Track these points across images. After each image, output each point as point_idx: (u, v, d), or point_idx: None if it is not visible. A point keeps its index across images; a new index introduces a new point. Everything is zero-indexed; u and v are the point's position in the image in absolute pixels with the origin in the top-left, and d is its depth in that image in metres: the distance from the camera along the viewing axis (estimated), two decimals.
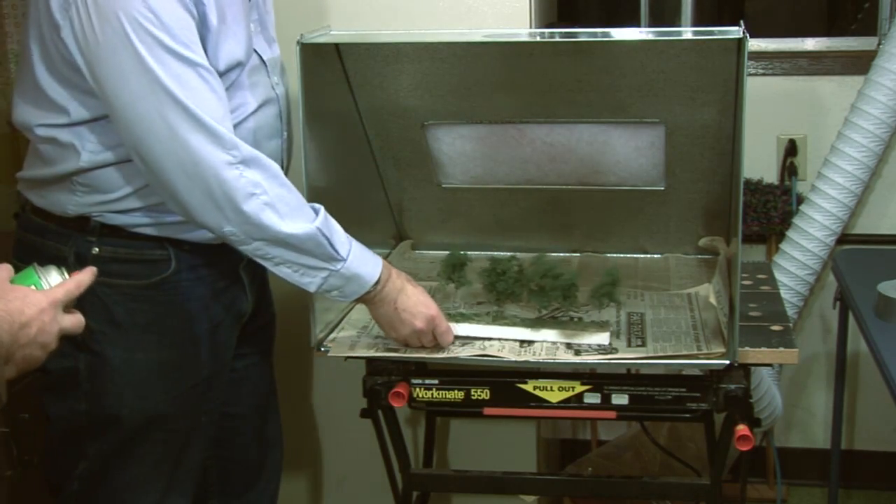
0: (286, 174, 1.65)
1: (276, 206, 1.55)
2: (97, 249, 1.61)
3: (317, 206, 1.62)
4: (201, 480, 1.88)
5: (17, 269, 1.31)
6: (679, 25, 2.85)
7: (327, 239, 1.60)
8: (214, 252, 1.69)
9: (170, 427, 1.70)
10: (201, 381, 1.72)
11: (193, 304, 1.69)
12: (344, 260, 1.62)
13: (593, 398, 1.75)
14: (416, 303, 1.71)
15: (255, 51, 1.68)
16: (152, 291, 1.64)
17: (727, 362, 1.67)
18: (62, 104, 1.55)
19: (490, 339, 1.78)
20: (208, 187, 1.50)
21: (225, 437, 1.90)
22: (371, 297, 1.69)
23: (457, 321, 1.80)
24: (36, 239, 1.65)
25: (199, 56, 1.49)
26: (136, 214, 1.62)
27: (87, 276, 1.34)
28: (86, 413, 1.65)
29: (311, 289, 1.64)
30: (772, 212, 2.72)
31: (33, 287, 1.29)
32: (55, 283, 1.31)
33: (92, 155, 1.57)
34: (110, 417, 1.65)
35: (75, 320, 1.29)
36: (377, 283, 1.67)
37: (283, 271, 1.61)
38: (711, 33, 1.69)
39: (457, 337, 1.78)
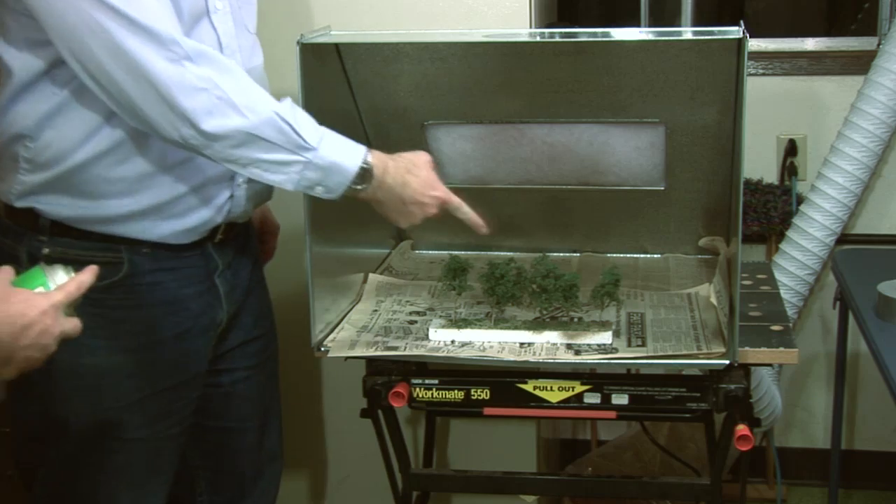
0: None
1: (231, 100, 1.47)
2: (47, 250, 1.56)
3: (285, 98, 1.56)
4: (189, 489, 1.87)
5: (18, 272, 1.31)
6: (679, 25, 2.85)
7: (290, 125, 1.51)
8: (180, 257, 1.64)
9: (127, 436, 1.64)
10: (163, 390, 1.67)
11: (152, 310, 1.63)
12: (314, 148, 1.53)
13: (593, 398, 1.75)
14: (422, 191, 1.63)
15: (213, 26, 1.61)
16: (102, 295, 1.53)
17: (727, 362, 1.67)
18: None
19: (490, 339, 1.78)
20: (154, 89, 1.44)
21: (216, 449, 1.87)
22: (369, 193, 1.60)
23: (458, 327, 1.80)
24: None
25: None
26: (84, 203, 1.56)
27: (87, 276, 1.33)
28: (40, 415, 1.62)
29: (290, 186, 1.56)
30: (772, 212, 2.72)
31: (41, 288, 1.29)
32: (62, 282, 1.31)
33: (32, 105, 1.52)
34: (61, 422, 1.61)
35: (74, 323, 1.29)
36: (367, 174, 1.59)
37: (254, 172, 1.53)
38: (711, 33, 1.69)
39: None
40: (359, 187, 1.59)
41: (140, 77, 1.44)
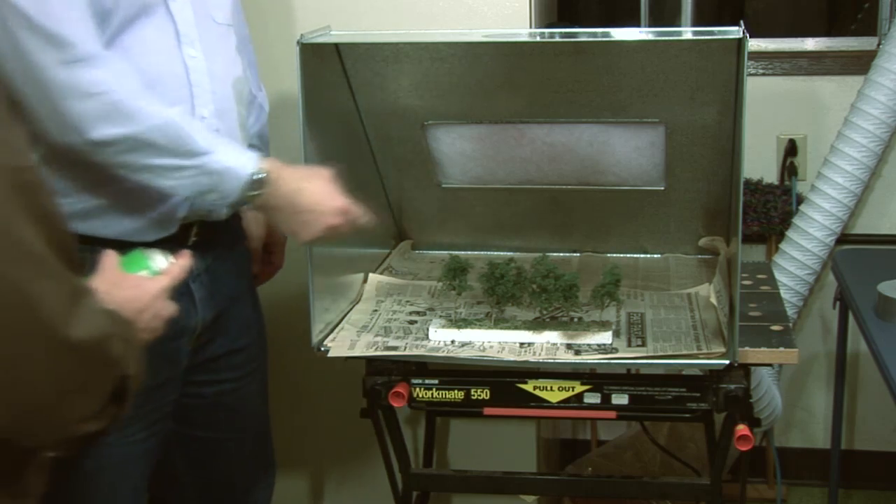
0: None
1: (122, 104, 1.45)
2: None
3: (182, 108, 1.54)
4: (179, 500, 1.86)
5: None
6: (679, 25, 2.85)
7: (181, 130, 1.50)
8: None
9: None
10: None
11: None
12: (207, 153, 1.52)
13: (593, 398, 1.75)
14: (318, 200, 1.60)
15: (170, 15, 1.58)
16: None
17: (727, 362, 1.67)
18: None
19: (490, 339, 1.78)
20: (46, 92, 1.42)
21: (204, 460, 1.86)
22: (263, 201, 1.58)
23: (458, 327, 1.80)
24: None
25: None
26: None
27: (188, 260, 1.38)
28: None
29: (184, 192, 1.54)
30: (772, 212, 2.72)
31: (145, 272, 1.34)
32: (161, 266, 1.36)
33: None
34: None
35: (174, 307, 1.32)
36: (261, 180, 1.56)
37: (145, 177, 1.51)
38: (711, 33, 1.69)
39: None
40: (253, 193, 1.57)
41: (33, 78, 1.43)
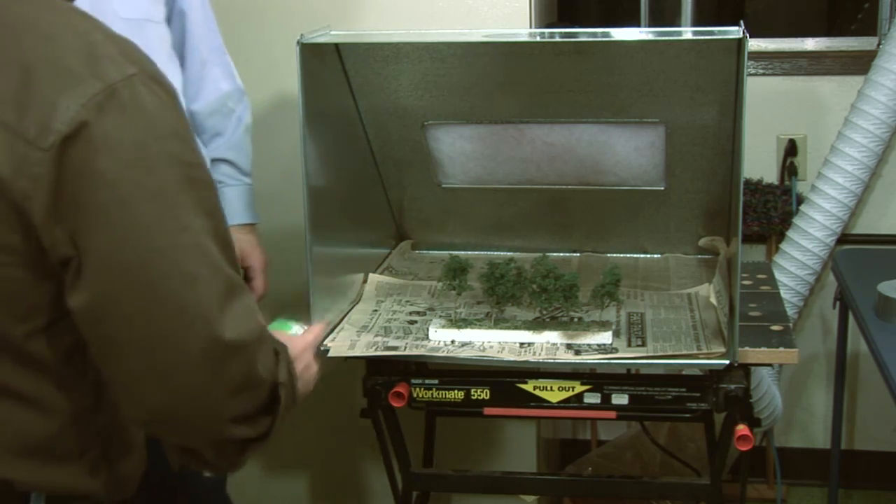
0: None
1: None
2: None
3: None
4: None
5: None
6: (679, 25, 2.85)
7: None
8: None
9: None
10: None
11: None
12: None
13: (593, 398, 1.75)
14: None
15: None
16: None
17: (727, 362, 1.67)
18: None
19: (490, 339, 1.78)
20: None
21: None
22: None
23: (458, 327, 1.80)
24: None
25: None
26: None
27: (321, 328, 1.56)
28: None
29: None
30: (772, 212, 2.72)
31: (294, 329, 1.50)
32: (299, 333, 1.48)
33: None
34: None
35: (320, 367, 1.41)
36: None
37: None
38: (711, 33, 1.69)
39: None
40: None
41: None
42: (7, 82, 0.96)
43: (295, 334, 1.44)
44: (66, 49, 0.98)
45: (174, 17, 1.90)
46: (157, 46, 1.70)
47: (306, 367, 1.32)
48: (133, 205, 0.97)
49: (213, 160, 2.00)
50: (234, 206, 2.02)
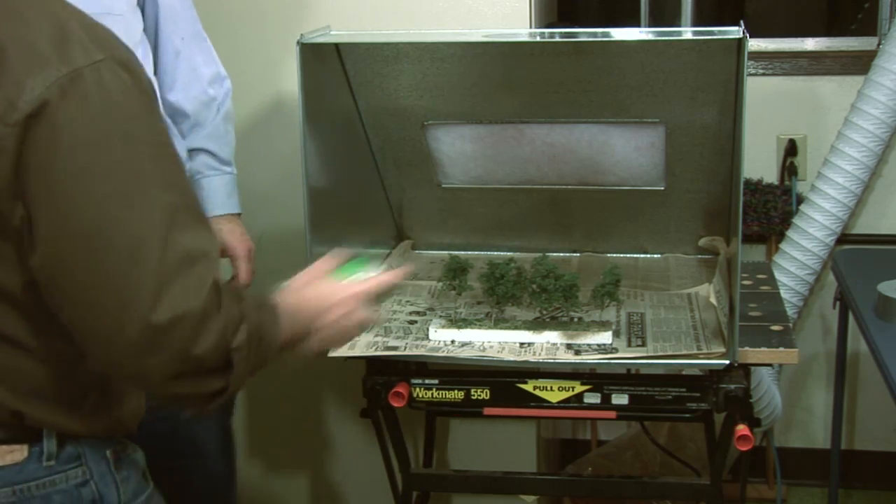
0: None
1: None
2: None
3: None
4: None
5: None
6: (679, 25, 2.85)
7: None
8: None
9: None
10: None
11: None
12: None
13: (593, 398, 1.75)
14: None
15: None
16: None
17: (727, 362, 1.67)
18: None
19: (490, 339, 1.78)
20: None
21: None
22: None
23: (458, 327, 1.80)
24: None
25: None
26: None
27: (392, 276, 1.44)
28: None
29: None
30: (772, 212, 2.72)
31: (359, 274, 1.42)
32: (370, 275, 1.42)
33: None
34: None
35: (372, 315, 1.38)
36: None
37: None
38: (711, 33, 1.69)
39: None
40: None
41: None
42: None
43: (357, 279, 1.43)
44: (39, 33, 1.06)
45: (147, 5, 1.87)
46: (138, 34, 1.70)
47: (346, 315, 1.33)
48: (85, 180, 1.04)
49: (193, 150, 1.96)
50: (215, 195, 1.98)
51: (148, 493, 1.26)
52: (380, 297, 1.41)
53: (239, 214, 2.03)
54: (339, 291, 1.34)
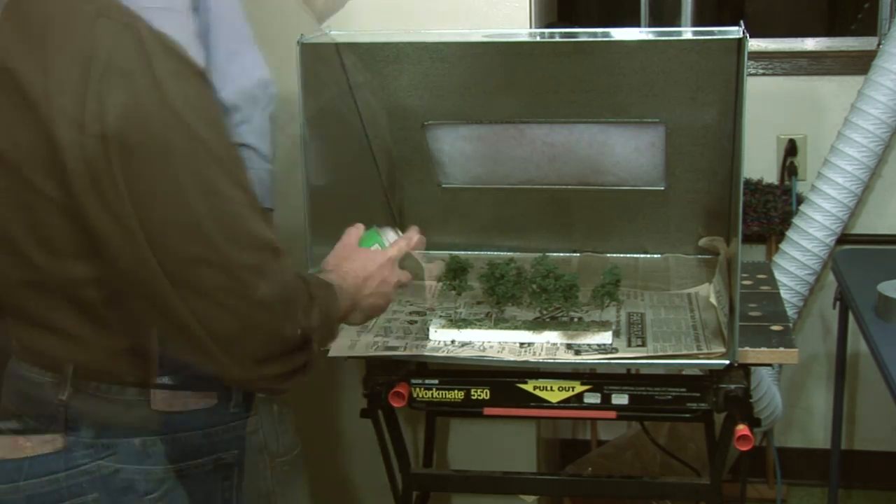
0: None
1: None
2: None
3: None
4: None
5: None
6: (679, 25, 2.85)
7: None
8: None
9: None
10: None
11: None
12: None
13: (593, 398, 1.75)
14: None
15: None
16: None
17: (727, 362, 1.67)
18: None
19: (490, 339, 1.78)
20: None
21: None
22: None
23: (458, 327, 1.80)
24: None
25: None
26: None
27: (416, 235, 1.59)
28: None
29: None
30: (772, 212, 2.72)
31: (376, 246, 1.55)
32: (392, 241, 1.57)
33: None
34: None
35: (407, 274, 1.51)
36: None
37: None
38: (711, 33, 1.69)
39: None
40: None
41: None
42: (71, 73, 1.08)
43: (383, 247, 1.54)
44: (117, 46, 1.10)
45: (201, 6, 1.90)
46: (176, 35, 1.71)
47: (382, 282, 1.44)
48: (170, 183, 1.09)
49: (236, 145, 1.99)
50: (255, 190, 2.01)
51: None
52: (404, 260, 1.53)
53: (272, 210, 2.04)
54: (370, 263, 1.44)
